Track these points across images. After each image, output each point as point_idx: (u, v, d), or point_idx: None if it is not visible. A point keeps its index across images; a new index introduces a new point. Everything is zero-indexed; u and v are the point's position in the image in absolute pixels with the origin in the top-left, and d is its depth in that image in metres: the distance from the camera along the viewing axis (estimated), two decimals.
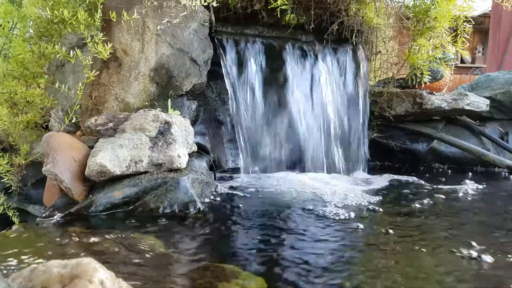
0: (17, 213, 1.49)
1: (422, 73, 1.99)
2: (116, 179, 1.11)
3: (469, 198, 1.42)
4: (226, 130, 1.78)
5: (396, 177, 1.75)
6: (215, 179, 1.48)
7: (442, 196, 1.40)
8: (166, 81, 1.49)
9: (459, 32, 1.90)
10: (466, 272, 0.79)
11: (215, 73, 1.69)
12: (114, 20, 1.31)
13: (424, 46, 1.93)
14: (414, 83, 2.04)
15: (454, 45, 1.95)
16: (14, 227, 0.95)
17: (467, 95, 2.05)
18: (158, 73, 1.47)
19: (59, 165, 1.06)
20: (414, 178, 1.72)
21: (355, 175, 1.82)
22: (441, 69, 2.07)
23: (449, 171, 2.01)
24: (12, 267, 0.71)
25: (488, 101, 2.15)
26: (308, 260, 0.82)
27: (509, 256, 0.86)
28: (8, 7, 1.75)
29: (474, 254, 0.86)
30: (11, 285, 0.45)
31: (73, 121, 1.33)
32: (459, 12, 1.83)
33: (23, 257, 0.76)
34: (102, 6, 1.36)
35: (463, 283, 0.74)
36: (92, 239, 0.88)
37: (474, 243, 0.92)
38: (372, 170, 1.92)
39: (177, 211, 1.08)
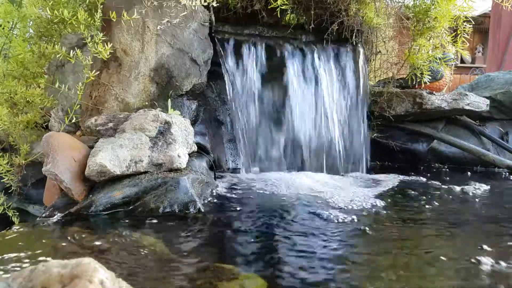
0: (17, 213, 1.49)
1: (422, 73, 1.99)
2: (116, 179, 1.11)
3: (477, 200, 1.40)
4: (226, 130, 1.78)
5: (396, 177, 1.74)
6: (215, 179, 1.48)
7: (450, 197, 1.39)
8: (166, 81, 1.49)
9: (459, 32, 1.90)
10: (477, 276, 0.77)
11: (215, 73, 1.69)
12: (114, 20, 1.31)
13: (424, 46, 1.93)
14: (414, 83, 2.04)
15: (454, 45, 1.94)
16: (14, 227, 0.94)
17: (467, 95, 2.05)
18: (158, 73, 1.47)
19: (59, 165, 1.06)
20: (416, 178, 1.72)
21: (355, 175, 1.82)
22: (441, 69, 2.07)
23: (449, 171, 2.01)
24: (12, 267, 0.71)
25: (488, 101, 2.15)
26: (308, 261, 0.82)
27: None
28: (8, 7, 1.75)
29: (485, 259, 0.82)
30: (11, 285, 0.45)
31: (73, 121, 1.33)
32: (459, 12, 1.83)
33: (23, 257, 0.76)
34: (102, 6, 1.36)
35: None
36: (92, 239, 0.88)
37: (485, 247, 0.90)
38: (372, 170, 1.92)
39: (177, 211, 1.08)
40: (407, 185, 1.60)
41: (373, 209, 1.21)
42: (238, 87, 1.71)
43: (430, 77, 2.01)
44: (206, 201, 1.23)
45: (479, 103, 2.09)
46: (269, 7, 1.61)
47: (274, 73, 1.78)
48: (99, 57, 1.30)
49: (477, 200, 1.40)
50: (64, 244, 0.85)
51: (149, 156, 1.15)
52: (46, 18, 1.67)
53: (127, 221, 1.02)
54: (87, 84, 1.39)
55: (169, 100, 1.47)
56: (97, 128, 1.26)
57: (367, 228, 1.03)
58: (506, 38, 4.67)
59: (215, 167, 1.55)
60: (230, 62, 1.69)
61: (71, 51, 1.31)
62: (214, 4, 1.38)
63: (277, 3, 1.56)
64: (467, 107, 2.05)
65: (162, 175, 1.14)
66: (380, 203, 1.28)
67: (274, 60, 1.76)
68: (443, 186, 1.58)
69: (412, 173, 1.81)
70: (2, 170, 1.42)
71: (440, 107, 2.01)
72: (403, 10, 2.03)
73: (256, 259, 0.83)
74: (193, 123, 1.55)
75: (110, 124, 1.26)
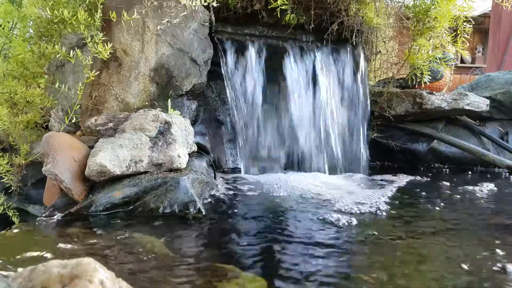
0: (17, 213, 1.49)
1: (422, 73, 1.99)
2: (116, 179, 1.11)
3: (483, 201, 1.39)
4: (226, 130, 1.78)
5: (396, 177, 1.74)
6: (215, 179, 1.48)
7: (458, 196, 1.39)
8: (166, 81, 1.49)
9: (459, 32, 1.90)
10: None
11: (215, 73, 1.69)
12: (114, 20, 1.31)
13: (424, 46, 1.93)
14: (414, 83, 2.04)
15: (454, 45, 1.94)
16: (14, 227, 0.94)
17: (467, 95, 2.05)
18: (158, 73, 1.47)
19: (59, 165, 1.06)
20: (417, 178, 1.72)
21: (354, 175, 1.82)
22: (441, 69, 2.07)
23: (449, 171, 2.01)
24: (12, 267, 0.71)
25: (488, 101, 2.15)
26: (308, 261, 0.82)
27: None
28: (8, 7, 1.75)
29: (499, 264, 0.81)
30: (11, 285, 0.45)
31: (73, 121, 1.33)
32: (459, 12, 1.83)
33: (23, 257, 0.76)
34: (102, 6, 1.36)
35: None
36: (92, 239, 0.88)
37: (498, 251, 0.88)
38: (372, 170, 1.92)
39: (177, 211, 1.08)
40: (410, 186, 1.60)
41: (373, 210, 1.21)
42: (238, 87, 1.70)
43: (430, 77, 2.01)
44: (206, 201, 1.23)
45: (479, 103, 2.09)
46: (269, 7, 1.61)
47: (274, 73, 1.78)
48: (99, 57, 1.30)
49: (493, 201, 1.38)
50: (64, 244, 0.85)
51: (149, 156, 1.15)
52: (46, 18, 1.67)
53: (127, 221, 1.02)
54: (87, 84, 1.39)
55: (169, 100, 1.47)
56: (97, 128, 1.26)
57: (367, 230, 1.03)
58: (506, 38, 4.67)
59: (215, 167, 1.55)
60: (230, 62, 1.69)
61: (71, 51, 1.31)
62: (214, 4, 1.38)
63: (277, 3, 1.56)
64: (467, 107, 2.05)
65: (162, 175, 1.14)
66: (380, 203, 1.28)
67: (274, 60, 1.76)
68: (448, 186, 1.57)
69: (414, 173, 1.80)
70: (2, 170, 1.42)
71: (440, 107, 2.01)
72: (403, 10, 2.03)
73: (256, 259, 0.83)
74: (193, 123, 1.55)
75: (110, 124, 1.26)
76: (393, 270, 0.79)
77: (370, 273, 0.77)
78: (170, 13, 1.43)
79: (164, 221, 1.03)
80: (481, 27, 6.54)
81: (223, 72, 1.68)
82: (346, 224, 1.06)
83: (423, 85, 2.08)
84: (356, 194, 1.39)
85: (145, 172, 1.15)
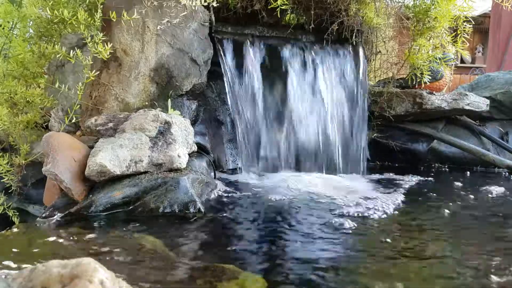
0: (17, 213, 1.49)
1: (422, 73, 1.99)
2: (116, 179, 1.11)
3: (489, 203, 1.38)
4: (226, 130, 1.78)
5: (397, 177, 1.74)
6: (215, 179, 1.48)
7: (460, 198, 1.39)
8: (166, 81, 1.49)
9: (459, 32, 1.90)
10: None
11: (215, 73, 1.69)
12: (114, 20, 1.31)
13: (424, 46, 1.93)
14: (414, 83, 2.04)
15: (454, 45, 1.94)
16: (14, 227, 0.94)
17: (467, 95, 2.05)
18: (158, 73, 1.47)
19: (59, 165, 1.06)
20: (417, 178, 1.72)
21: (354, 175, 1.82)
22: (441, 69, 2.07)
23: (449, 171, 2.01)
24: (12, 267, 0.71)
25: (488, 101, 2.15)
26: (308, 261, 0.82)
27: None
28: (8, 7, 1.75)
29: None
30: (11, 285, 0.45)
31: (73, 121, 1.33)
32: (459, 12, 1.83)
33: (23, 257, 0.76)
34: (102, 6, 1.36)
35: None
36: (92, 239, 0.88)
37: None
38: (372, 170, 1.92)
39: (177, 211, 1.08)
40: (411, 186, 1.60)
41: (372, 210, 1.21)
42: (238, 87, 1.70)
43: (430, 77, 2.01)
44: (206, 201, 1.23)
45: (479, 103, 2.09)
46: (269, 7, 1.61)
47: (274, 73, 1.78)
48: (99, 57, 1.30)
49: (499, 203, 1.37)
50: (64, 244, 0.85)
51: (149, 156, 1.15)
52: (46, 18, 1.67)
53: (127, 221, 1.02)
54: (87, 84, 1.39)
55: (169, 100, 1.47)
56: (97, 128, 1.26)
57: (366, 231, 1.03)
58: (506, 38, 4.67)
59: (215, 167, 1.55)
60: (230, 62, 1.69)
61: (71, 51, 1.31)
62: (214, 4, 1.38)
63: (277, 3, 1.56)
64: (467, 107, 2.05)
65: (162, 175, 1.14)
66: (381, 205, 1.28)
67: (274, 60, 1.76)
68: (450, 186, 1.57)
69: (414, 174, 1.80)
70: (2, 170, 1.42)
71: (440, 107, 2.01)
72: (403, 10, 2.03)
73: (256, 259, 0.83)
74: (193, 123, 1.55)
75: (110, 124, 1.26)
76: (404, 278, 0.79)
77: (372, 278, 0.77)
78: (170, 13, 1.43)
79: (164, 221, 1.03)
80: (481, 27, 6.54)
81: (223, 72, 1.68)
82: (347, 225, 1.06)
83: (423, 85, 2.08)
84: (356, 194, 1.39)
85: (145, 172, 1.15)
